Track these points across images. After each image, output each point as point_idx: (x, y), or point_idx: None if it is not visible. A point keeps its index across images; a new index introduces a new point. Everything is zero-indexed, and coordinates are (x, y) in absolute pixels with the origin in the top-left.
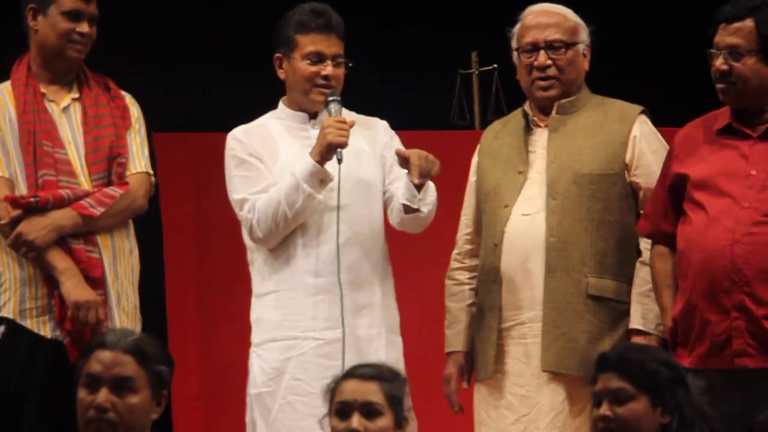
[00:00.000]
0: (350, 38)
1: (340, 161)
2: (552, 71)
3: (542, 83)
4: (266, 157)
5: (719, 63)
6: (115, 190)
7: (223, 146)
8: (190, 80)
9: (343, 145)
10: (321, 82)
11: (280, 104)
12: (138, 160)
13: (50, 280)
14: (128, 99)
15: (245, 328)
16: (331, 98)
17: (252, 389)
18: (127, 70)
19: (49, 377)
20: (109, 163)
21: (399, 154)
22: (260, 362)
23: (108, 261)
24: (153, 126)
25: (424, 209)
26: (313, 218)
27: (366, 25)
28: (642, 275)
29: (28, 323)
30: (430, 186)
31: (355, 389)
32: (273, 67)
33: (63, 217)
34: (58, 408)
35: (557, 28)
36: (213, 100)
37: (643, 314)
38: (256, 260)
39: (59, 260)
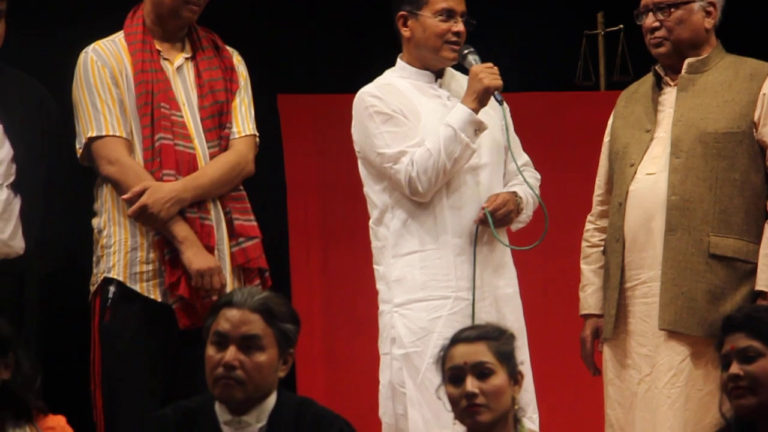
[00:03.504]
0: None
1: (501, 102)
2: (660, 32)
3: (653, 41)
4: (408, 113)
5: None
6: (227, 159)
7: (343, 106)
8: (315, 42)
9: (500, 87)
10: (453, 38)
11: (400, 62)
12: (247, 122)
13: (161, 246)
14: (236, 58)
15: (369, 286)
16: (466, 50)
17: (397, 349)
18: (252, 32)
19: (162, 339)
20: (221, 129)
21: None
22: (405, 322)
23: (216, 226)
24: (277, 87)
25: (513, 227)
26: (455, 177)
27: None
28: None
29: (138, 287)
30: (527, 204)
31: (463, 353)
32: (394, 25)
33: (185, 189)
34: (169, 371)
35: None
36: (336, 62)
37: None
38: (394, 220)
39: (179, 229)
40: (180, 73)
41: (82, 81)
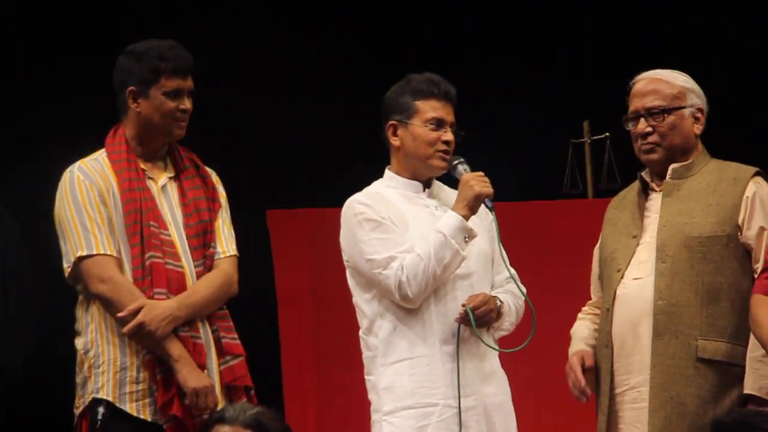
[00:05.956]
0: (463, 108)
1: (492, 209)
2: (653, 138)
3: (645, 147)
4: (396, 221)
5: None
6: (216, 278)
7: (332, 220)
8: (302, 157)
9: (491, 195)
10: (443, 147)
11: (388, 172)
12: (230, 243)
13: (152, 365)
14: (214, 177)
15: (363, 399)
16: (456, 161)
17: None
18: (240, 148)
19: None
20: (206, 249)
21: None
22: (394, 430)
23: (206, 344)
24: (267, 203)
25: (495, 334)
26: (443, 285)
27: (478, 96)
28: (755, 340)
29: (128, 407)
30: (510, 311)
31: None
32: (383, 135)
33: (179, 307)
34: None
35: (656, 95)
36: (323, 177)
37: (756, 380)
38: (382, 328)
39: (174, 348)
40: (165, 192)
41: (70, 200)
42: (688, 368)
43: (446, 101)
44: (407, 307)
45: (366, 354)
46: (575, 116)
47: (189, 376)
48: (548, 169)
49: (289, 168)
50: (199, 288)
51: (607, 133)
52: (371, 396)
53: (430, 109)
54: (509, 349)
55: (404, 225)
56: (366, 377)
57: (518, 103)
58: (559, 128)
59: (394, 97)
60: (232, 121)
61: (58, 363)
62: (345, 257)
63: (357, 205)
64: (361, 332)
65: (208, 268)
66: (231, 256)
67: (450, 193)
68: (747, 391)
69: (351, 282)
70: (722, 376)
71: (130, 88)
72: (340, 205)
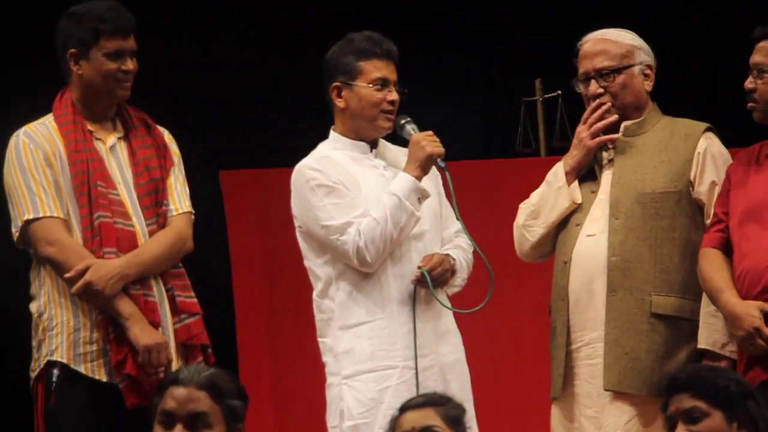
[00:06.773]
0: (414, 68)
1: (445, 169)
2: (605, 99)
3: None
4: (348, 185)
5: (747, 81)
6: (167, 235)
7: (285, 180)
8: (254, 118)
9: (442, 154)
10: (388, 107)
11: (333, 134)
12: (183, 200)
13: (105, 325)
14: (167, 136)
15: (317, 359)
16: (404, 120)
17: (347, 422)
18: (194, 108)
19: (109, 420)
20: (158, 207)
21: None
22: (354, 393)
23: (159, 303)
24: (219, 164)
25: (449, 291)
26: (398, 246)
27: (429, 55)
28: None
29: (83, 368)
30: (462, 268)
31: (412, 419)
32: (326, 97)
33: (128, 265)
34: None
35: (605, 56)
36: (275, 137)
37: (710, 334)
38: (339, 292)
39: (125, 306)
40: (113, 152)
41: (15, 164)
42: (642, 323)
43: (389, 60)
44: (365, 271)
45: (320, 317)
46: (527, 74)
47: (140, 334)
48: (501, 128)
49: (242, 129)
50: (150, 246)
51: (559, 91)
52: (326, 358)
53: (373, 69)
54: (467, 310)
55: (356, 187)
56: (319, 339)
57: (470, 61)
58: (511, 87)
59: (337, 58)
60: (186, 82)
61: (14, 327)
62: (298, 223)
63: (308, 171)
64: (314, 295)
65: (161, 226)
66: (184, 212)
67: (396, 151)
68: (701, 345)
69: (303, 246)
70: (676, 331)
71: (71, 50)
72: (293, 165)
